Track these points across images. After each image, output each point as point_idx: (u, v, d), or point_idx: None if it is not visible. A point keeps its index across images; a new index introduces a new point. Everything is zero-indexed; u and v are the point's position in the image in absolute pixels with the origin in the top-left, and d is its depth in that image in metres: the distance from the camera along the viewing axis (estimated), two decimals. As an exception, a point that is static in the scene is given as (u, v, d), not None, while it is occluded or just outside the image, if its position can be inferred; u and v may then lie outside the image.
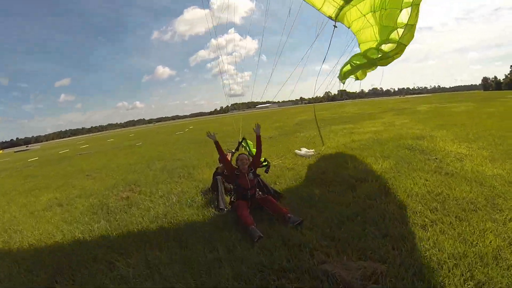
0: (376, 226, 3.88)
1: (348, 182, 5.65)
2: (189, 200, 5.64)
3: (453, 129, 10.75)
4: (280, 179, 6.48)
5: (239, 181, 4.92)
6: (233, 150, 6.89)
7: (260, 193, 5.08)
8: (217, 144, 5.23)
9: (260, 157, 5.41)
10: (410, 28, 4.71)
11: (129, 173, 9.47)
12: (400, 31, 4.82)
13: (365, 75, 8.86)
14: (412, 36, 4.87)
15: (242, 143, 6.98)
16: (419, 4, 4.50)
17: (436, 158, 6.82)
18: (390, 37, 5.09)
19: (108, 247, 4.26)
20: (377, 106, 30.83)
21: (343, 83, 7.10)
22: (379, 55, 5.39)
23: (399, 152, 7.72)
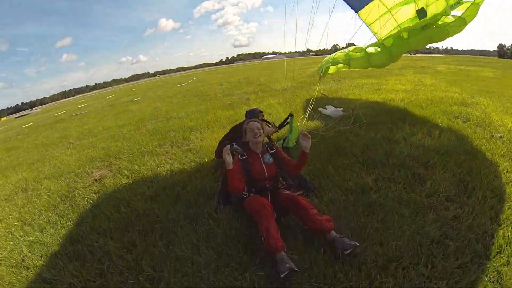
0: (479, 264, 2.31)
1: (408, 166, 3.89)
2: (178, 189, 3.88)
3: (496, 97, 8.41)
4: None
5: (249, 166, 3.10)
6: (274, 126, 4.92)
7: (284, 183, 3.26)
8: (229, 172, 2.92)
9: (298, 172, 3.37)
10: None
11: (114, 139, 7.74)
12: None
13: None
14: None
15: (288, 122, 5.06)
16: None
17: (501, 137, 4.90)
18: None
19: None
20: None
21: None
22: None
23: (451, 121, 5.72)
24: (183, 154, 5.26)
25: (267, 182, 3.08)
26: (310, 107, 6.21)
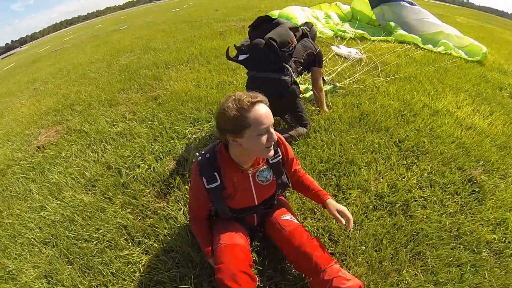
0: None
1: (461, 162, 2.62)
2: (124, 174, 2.64)
3: None
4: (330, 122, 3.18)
5: (225, 197, 1.54)
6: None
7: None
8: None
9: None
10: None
11: (78, 82, 6.35)
12: None
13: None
14: None
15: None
16: None
17: None
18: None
19: None
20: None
21: None
22: None
23: (496, 94, 4.34)
24: (146, 104, 3.90)
25: (254, 210, 1.70)
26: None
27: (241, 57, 2.54)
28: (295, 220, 1.69)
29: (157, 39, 9.16)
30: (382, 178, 2.41)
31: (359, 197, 2.23)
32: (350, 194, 2.25)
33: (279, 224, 1.64)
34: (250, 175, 1.55)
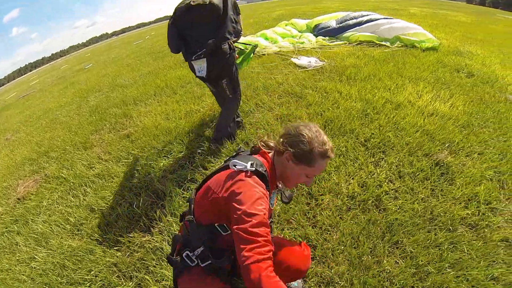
0: None
1: (428, 148, 2.89)
2: (107, 214, 2.79)
3: (486, 47, 7.06)
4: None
5: None
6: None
7: None
8: None
9: None
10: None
11: (50, 128, 6.38)
12: None
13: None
14: None
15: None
16: None
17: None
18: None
19: None
20: (358, 3, 21.59)
21: None
22: None
23: (454, 76, 4.68)
24: (119, 143, 4.06)
25: None
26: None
27: None
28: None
29: (123, 74, 9.31)
30: (352, 179, 2.63)
31: (332, 201, 2.42)
32: (322, 199, 2.44)
33: None
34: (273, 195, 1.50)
